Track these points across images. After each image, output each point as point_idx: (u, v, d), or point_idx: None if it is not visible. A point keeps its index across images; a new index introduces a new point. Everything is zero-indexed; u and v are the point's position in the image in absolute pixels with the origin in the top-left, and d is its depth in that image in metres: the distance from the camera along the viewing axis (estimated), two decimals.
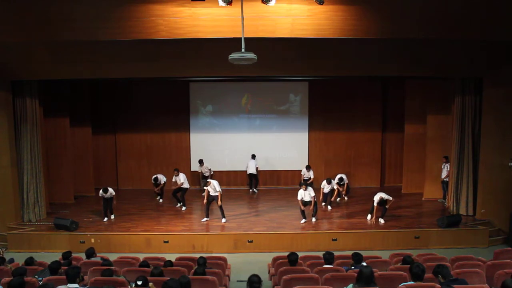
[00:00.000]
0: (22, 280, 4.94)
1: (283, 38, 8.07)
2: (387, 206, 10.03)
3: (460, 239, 9.43)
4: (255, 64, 6.73)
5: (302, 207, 10.07)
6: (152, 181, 12.06)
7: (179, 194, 11.48)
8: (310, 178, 12.65)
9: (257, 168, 13.23)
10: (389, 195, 10.05)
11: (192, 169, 13.70)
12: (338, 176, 11.90)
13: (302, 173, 12.99)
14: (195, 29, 7.78)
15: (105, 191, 10.17)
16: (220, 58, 7.19)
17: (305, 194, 9.94)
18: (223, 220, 10.19)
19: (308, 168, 12.89)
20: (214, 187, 9.99)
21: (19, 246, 9.43)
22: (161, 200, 12.32)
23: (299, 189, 10.09)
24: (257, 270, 6.12)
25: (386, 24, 7.87)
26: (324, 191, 11.27)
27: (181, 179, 11.28)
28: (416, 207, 11.59)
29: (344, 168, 13.58)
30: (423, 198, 12.30)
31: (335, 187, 11.44)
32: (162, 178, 12.11)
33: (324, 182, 11.19)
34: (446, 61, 9.51)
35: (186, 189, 11.41)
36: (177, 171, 11.40)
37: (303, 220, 10.10)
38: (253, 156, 13.23)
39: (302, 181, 12.18)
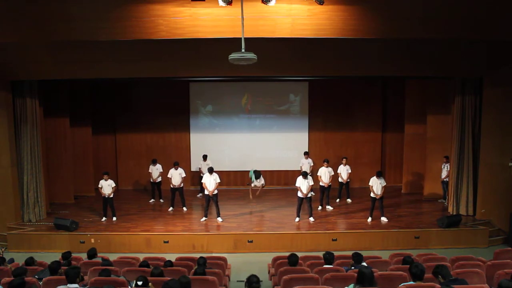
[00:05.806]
0: (22, 280, 4.95)
1: (283, 38, 8.08)
2: (381, 194, 9.96)
3: (460, 239, 9.44)
4: (255, 64, 6.74)
5: (303, 193, 9.91)
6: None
7: (177, 193, 11.38)
8: (310, 166, 12.18)
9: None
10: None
11: (192, 169, 13.69)
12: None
13: (300, 163, 12.42)
14: (195, 29, 7.78)
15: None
16: (220, 58, 7.21)
17: (304, 182, 9.90)
18: (219, 219, 10.22)
19: (306, 154, 12.49)
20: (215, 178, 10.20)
21: (19, 246, 9.44)
22: (161, 200, 12.31)
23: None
24: (257, 270, 6.14)
25: (386, 24, 7.88)
26: (322, 180, 10.91)
27: (176, 177, 11.19)
28: (416, 207, 11.59)
29: None
30: (423, 198, 12.29)
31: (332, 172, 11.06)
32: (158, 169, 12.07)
33: (322, 169, 10.95)
34: (446, 61, 9.51)
35: (182, 188, 11.36)
36: (177, 165, 11.32)
37: (297, 219, 10.12)
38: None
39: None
